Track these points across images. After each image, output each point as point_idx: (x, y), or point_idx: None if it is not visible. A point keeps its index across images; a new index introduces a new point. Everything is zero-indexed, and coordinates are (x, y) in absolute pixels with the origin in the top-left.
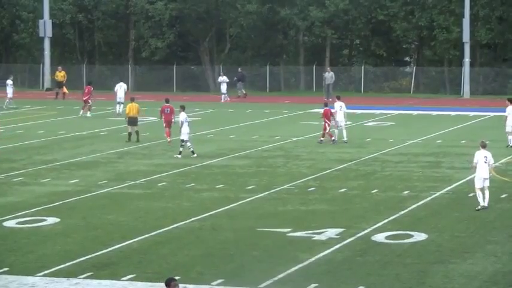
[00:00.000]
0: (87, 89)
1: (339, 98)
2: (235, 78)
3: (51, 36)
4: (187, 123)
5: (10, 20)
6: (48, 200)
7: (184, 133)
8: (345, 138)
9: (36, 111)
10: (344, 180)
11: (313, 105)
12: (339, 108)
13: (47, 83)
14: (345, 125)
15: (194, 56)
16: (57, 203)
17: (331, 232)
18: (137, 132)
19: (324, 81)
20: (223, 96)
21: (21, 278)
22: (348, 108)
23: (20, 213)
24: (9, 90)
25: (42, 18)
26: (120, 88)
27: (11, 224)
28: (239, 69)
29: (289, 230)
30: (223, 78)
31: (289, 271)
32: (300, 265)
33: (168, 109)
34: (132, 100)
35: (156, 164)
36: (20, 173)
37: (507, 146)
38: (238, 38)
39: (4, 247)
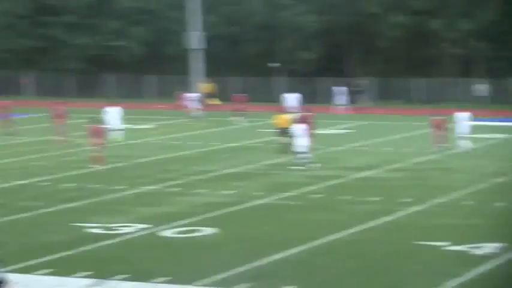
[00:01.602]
0: (241, 99)
1: (462, 110)
2: (356, 88)
3: (201, 48)
4: (304, 135)
5: (162, 33)
6: (205, 210)
7: (303, 145)
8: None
9: (192, 122)
10: (503, 194)
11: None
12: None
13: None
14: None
15: (343, 68)
16: (214, 214)
17: (489, 247)
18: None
19: (476, 93)
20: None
21: (183, 287)
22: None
23: (176, 223)
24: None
25: (193, 30)
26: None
27: (168, 233)
28: (359, 80)
29: (446, 243)
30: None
31: (446, 285)
32: (458, 280)
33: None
34: (284, 111)
35: (312, 175)
36: (176, 183)
37: None
38: (387, 50)
39: (163, 256)
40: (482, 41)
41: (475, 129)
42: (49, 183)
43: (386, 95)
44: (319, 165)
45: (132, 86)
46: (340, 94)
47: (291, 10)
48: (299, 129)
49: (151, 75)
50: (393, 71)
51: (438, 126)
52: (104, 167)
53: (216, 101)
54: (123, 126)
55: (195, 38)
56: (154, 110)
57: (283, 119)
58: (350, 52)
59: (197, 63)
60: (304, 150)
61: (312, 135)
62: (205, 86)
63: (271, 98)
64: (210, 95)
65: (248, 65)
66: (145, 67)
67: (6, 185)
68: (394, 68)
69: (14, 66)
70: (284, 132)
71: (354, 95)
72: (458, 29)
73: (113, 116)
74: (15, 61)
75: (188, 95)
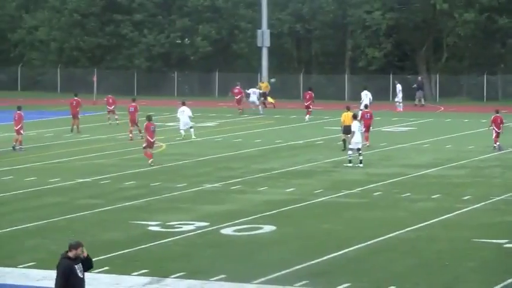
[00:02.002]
0: (308, 95)
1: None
2: (415, 85)
3: (269, 45)
4: (359, 132)
5: (229, 30)
6: (265, 208)
7: (354, 142)
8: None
9: (254, 120)
10: None
11: None
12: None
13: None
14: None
15: (411, 65)
16: (274, 211)
17: None
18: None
19: None
20: (398, 104)
21: (237, 285)
22: None
23: (237, 221)
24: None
25: (260, 28)
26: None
27: (228, 231)
28: (419, 77)
29: (506, 241)
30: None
31: (505, 283)
32: None
33: (368, 114)
34: (348, 109)
35: (372, 173)
36: (237, 181)
37: None
38: (455, 47)
39: (222, 254)
40: None
41: None
42: (109, 181)
43: (451, 92)
44: (360, 164)
45: (200, 84)
46: (399, 91)
47: (362, 8)
48: (353, 126)
49: (219, 72)
50: (460, 68)
51: (497, 124)
52: (153, 164)
53: (270, 99)
54: (191, 123)
55: (260, 36)
56: (219, 108)
57: (347, 116)
58: (417, 49)
59: (264, 61)
60: (354, 147)
61: (367, 133)
62: (262, 85)
63: (341, 96)
64: (264, 94)
65: (316, 63)
66: (212, 65)
67: (67, 183)
68: (460, 65)
69: (83, 65)
70: (346, 129)
71: (413, 92)
72: None
73: (184, 114)
74: (84, 59)
75: (247, 91)
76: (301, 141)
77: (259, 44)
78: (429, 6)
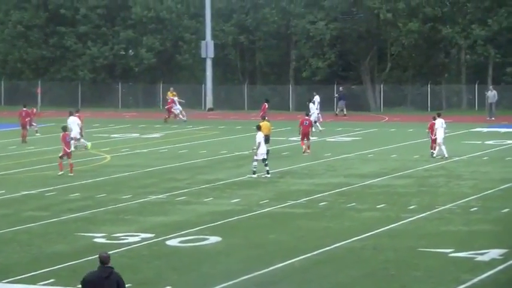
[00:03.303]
0: (263, 106)
1: (439, 116)
2: (336, 95)
3: (213, 56)
4: (264, 143)
5: (173, 42)
6: (211, 219)
7: (260, 153)
8: (446, 155)
9: (199, 131)
10: (508, 200)
11: (475, 124)
12: (440, 125)
13: (209, 103)
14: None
15: (355, 75)
16: (220, 222)
17: (495, 253)
18: (267, 151)
19: (487, 100)
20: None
21: None
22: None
23: (183, 232)
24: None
25: (204, 39)
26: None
27: (174, 242)
28: (340, 88)
29: (451, 250)
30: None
31: None
32: (462, 286)
33: (307, 122)
34: (264, 119)
35: (317, 183)
36: (183, 192)
37: None
38: (399, 56)
39: (167, 265)
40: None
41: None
42: (55, 193)
43: (395, 102)
44: (267, 175)
45: (144, 96)
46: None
47: (306, 18)
48: (258, 137)
49: (164, 84)
50: (404, 78)
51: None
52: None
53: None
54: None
55: (204, 47)
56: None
57: (264, 125)
58: (361, 59)
59: (208, 72)
60: (259, 157)
61: (307, 141)
62: (168, 94)
63: (285, 106)
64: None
65: (260, 73)
66: (157, 76)
67: (13, 195)
68: (404, 75)
69: (27, 77)
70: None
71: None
72: (471, 34)
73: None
74: (28, 71)
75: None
76: (246, 152)
77: (203, 55)
78: (373, 16)
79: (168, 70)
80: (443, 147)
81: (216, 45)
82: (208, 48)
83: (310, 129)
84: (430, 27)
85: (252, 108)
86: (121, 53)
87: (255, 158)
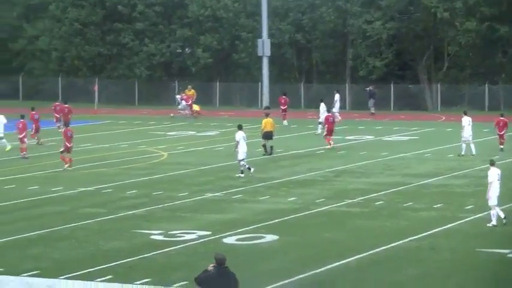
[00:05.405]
0: (283, 100)
1: (466, 113)
2: (368, 89)
3: (269, 55)
4: (244, 141)
5: (230, 40)
6: (267, 217)
7: (242, 152)
8: (473, 153)
9: (255, 129)
10: None
11: None
12: (467, 124)
13: (265, 102)
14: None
15: (412, 74)
16: (276, 221)
17: None
18: (271, 147)
19: None
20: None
21: None
22: None
23: (239, 230)
24: None
25: (260, 37)
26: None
27: (230, 240)
28: (370, 87)
29: (509, 251)
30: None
31: None
32: None
33: (332, 118)
34: (267, 115)
35: (374, 182)
36: (239, 190)
37: None
38: (456, 56)
39: None
40: None
41: None
42: (111, 190)
43: (452, 101)
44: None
45: (200, 94)
46: (336, 101)
47: (362, 17)
48: (238, 136)
49: (220, 82)
50: (461, 77)
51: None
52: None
53: (196, 107)
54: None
55: (261, 45)
56: (220, 117)
57: (267, 122)
58: (418, 58)
59: (265, 70)
60: (242, 157)
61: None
62: (188, 92)
63: (342, 105)
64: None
65: (316, 72)
66: (213, 74)
67: (69, 192)
68: (461, 74)
69: (84, 74)
70: (266, 135)
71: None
72: None
73: None
74: (85, 68)
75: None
76: (301, 150)
77: (259, 54)
78: (430, 15)
79: (225, 68)
80: (472, 146)
81: (272, 44)
82: (264, 46)
83: (333, 126)
84: (487, 26)
85: (308, 107)
86: (178, 50)
87: (239, 157)
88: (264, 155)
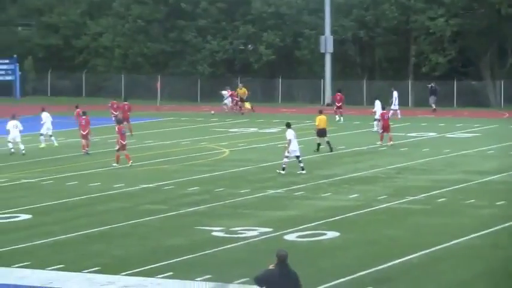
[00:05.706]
0: (338, 97)
1: None
2: (430, 85)
3: (332, 52)
4: (295, 139)
5: (293, 37)
6: (328, 214)
7: (293, 150)
8: None
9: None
10: None
11: None
12: None
13: (328, 99)
14: None
15: (475, 71)
16: (337, 218)
17: None
18: (328, 142)
19: None
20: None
21: None
22: None
23: (300, 227)
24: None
25: (323, 34)
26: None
27: (292, 237)
28: (432, 83)
29: None
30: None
31: None
32: None
33: (387, 115)
34: (321, 112)
35: (436, 179)
36: (300, 187)
37: None
38: None
39: None
40: None
41: None
42: (173, 187)
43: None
44: (302, 171)
45: (262, 90)
46: (395, 98)
47: (426, 14)
48: (289, 134)
49: (283, 79)
50: None
51: None
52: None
53: (248, 105)
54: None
55: (323, 42)
56: (282, 114)
57: (321, 119)
58: (481, 55)
59: (327, 67)
60: (291, 154)
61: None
62: (239, 91)
63: (404, 101)
64: (242, 99)
65: (379, 69)
66: (275, 71)
67: (131, 188)
68: None
69: (147, 71)
70: (320, 132)
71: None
72: None
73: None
74: (148, 65)
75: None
76: (364, 147)
77: (322, 50)
78: (494, 11)
79: (287, 65)
80: None
81: (335, 41)
82: (327, 43)
83: (388, 122)
84: None
85: (371, 104)
86: (240, 47)
87: (286, 154)
88: (315, 151)
